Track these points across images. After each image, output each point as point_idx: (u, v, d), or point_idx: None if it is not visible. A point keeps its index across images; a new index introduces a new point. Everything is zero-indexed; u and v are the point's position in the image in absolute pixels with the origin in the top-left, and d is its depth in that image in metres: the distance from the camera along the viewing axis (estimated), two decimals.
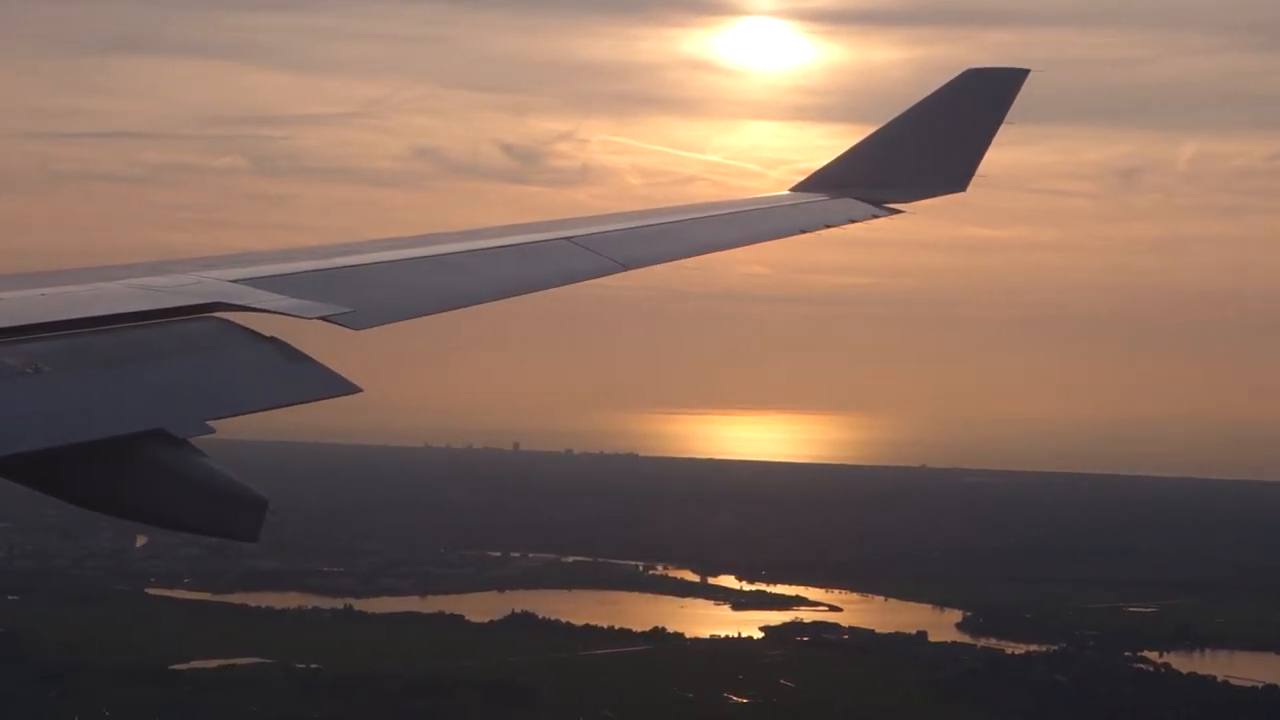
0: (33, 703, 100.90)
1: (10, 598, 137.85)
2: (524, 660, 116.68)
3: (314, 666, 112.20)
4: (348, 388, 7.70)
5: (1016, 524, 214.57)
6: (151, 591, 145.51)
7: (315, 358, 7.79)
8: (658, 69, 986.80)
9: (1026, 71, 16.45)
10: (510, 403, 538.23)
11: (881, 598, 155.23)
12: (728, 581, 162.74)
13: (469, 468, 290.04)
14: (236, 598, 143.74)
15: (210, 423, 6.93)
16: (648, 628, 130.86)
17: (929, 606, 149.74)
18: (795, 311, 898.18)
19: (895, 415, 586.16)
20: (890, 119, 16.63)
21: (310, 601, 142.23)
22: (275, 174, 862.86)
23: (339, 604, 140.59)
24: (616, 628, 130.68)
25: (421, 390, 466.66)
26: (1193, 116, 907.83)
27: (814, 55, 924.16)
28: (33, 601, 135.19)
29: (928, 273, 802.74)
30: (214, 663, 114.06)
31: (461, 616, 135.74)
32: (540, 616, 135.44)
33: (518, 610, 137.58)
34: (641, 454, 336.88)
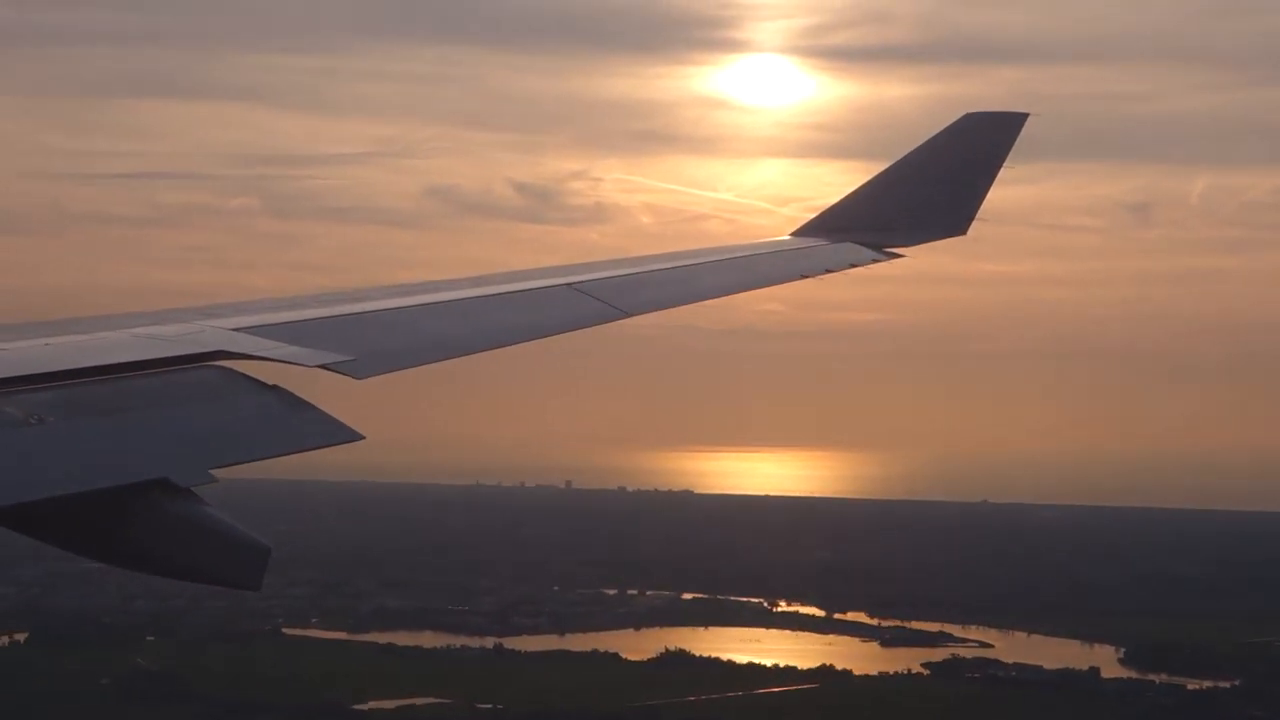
0: None
1: (148, 638, 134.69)
2: (707, 700, 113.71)
3: (499, 707, 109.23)
4: (350, 435, 7.60)
5: (1103, 557, 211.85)
6: (288, 631, 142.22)
7: (321, 405, 7.72)
8: (672, 107, 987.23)
9: (1025, 116, 16.47)
10: (536, 442, 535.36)
11: (1023, 633, 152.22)
12: (859, 617, 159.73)
13: (528, 506, 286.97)
14: (376, 637, 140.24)
15: (213, 471, 6.85)
16: (813, 665, 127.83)
17: (1076, 642, 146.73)
18: (810, 348, 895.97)
19: (918, 450, 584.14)
20: (897, 159, 16.67)
21: (453, 640, 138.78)
22: (289, 214, 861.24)
23: (487, 643, 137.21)
24: (781, 665, 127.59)
25: (439, 431, 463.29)
26: (1203, 150, 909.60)
27: (826, 92, 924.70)
28: (172, 643, 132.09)
29: (940, 308, 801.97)
30: (392, 703, 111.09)
31: (617, 655, 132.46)
32: (696, 654, 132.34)
33: (670, 648, 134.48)
34: (697, 490, 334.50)
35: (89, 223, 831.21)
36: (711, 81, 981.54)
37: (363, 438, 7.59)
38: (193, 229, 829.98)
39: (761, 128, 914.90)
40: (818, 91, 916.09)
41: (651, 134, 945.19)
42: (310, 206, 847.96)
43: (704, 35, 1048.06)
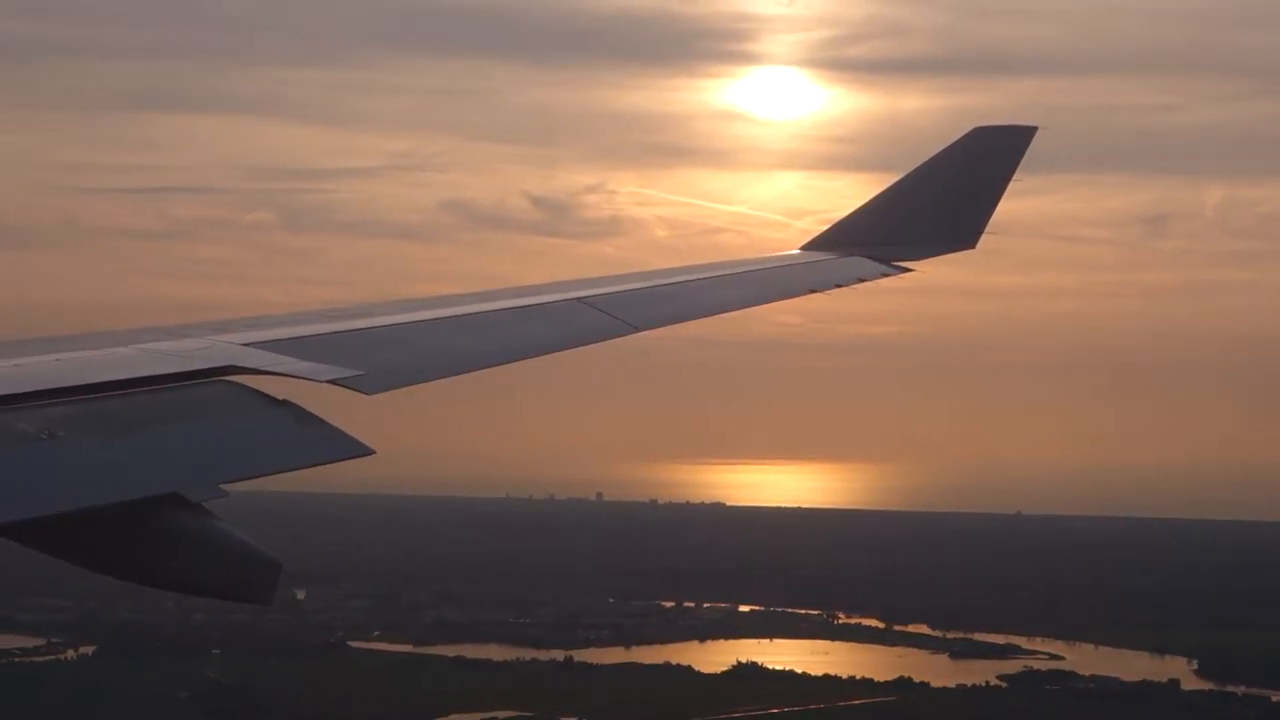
0: None
1: (214, 651, 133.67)
2: (791, 712, 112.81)
3: None
4: (360, 450, 7.59)
5: (1141, 567, 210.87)
6: (353, 644, 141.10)
7: (331, 420, 7.73)
8: (688, 120, 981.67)
9: (1034, 129, 16.48)
10: (559, 456, 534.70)
11: (1090, 645, 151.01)
12: (922, 629, 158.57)
13: (563, 518, 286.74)
14: (443, 649, 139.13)
15: (224, 487, 6.89)
16: (889, 677, 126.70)
17: (1145, 653, 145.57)
18: (826, 361, 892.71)
19: (939, 462, 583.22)
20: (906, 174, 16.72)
21: (521, 653, 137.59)
22: (304, 228, 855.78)
23: (556, 655, 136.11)
24: (858, 678, 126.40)
25: (453, 445, 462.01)
26: (1219, 163, 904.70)
27: (842, 104, 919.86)
28: (237, 656, 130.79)
29: (956, 321, 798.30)
30: (476, 716, 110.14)
31: (689, 667, 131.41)
32: (769, 667, 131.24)
33: (741, 660, 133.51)
34: (728, 503, 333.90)
35: (103, 237, 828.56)
36: (727, 94, 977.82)
37: (372, 452, 7.60)
38: (207, 243, 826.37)
39: (777, 140, 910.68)
40: (834, 104, 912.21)
41: (667, 147, 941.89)
42: (325, 220, 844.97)
43: (719, 48, 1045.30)
